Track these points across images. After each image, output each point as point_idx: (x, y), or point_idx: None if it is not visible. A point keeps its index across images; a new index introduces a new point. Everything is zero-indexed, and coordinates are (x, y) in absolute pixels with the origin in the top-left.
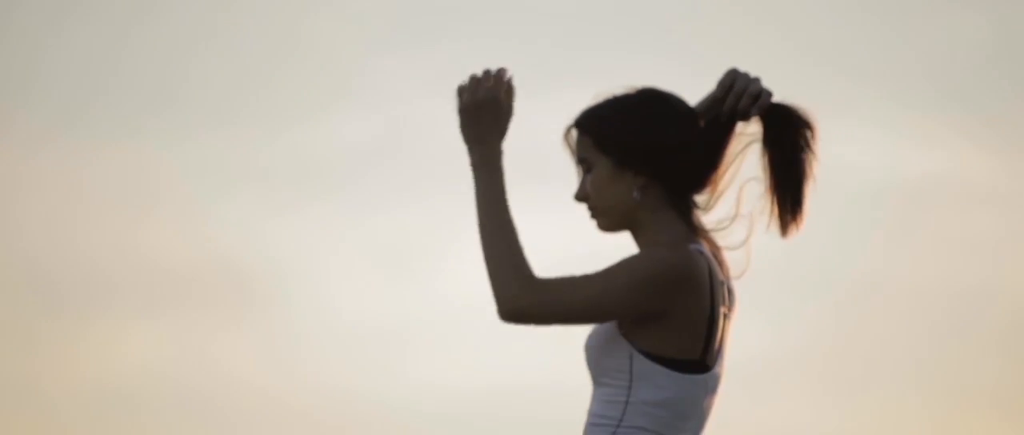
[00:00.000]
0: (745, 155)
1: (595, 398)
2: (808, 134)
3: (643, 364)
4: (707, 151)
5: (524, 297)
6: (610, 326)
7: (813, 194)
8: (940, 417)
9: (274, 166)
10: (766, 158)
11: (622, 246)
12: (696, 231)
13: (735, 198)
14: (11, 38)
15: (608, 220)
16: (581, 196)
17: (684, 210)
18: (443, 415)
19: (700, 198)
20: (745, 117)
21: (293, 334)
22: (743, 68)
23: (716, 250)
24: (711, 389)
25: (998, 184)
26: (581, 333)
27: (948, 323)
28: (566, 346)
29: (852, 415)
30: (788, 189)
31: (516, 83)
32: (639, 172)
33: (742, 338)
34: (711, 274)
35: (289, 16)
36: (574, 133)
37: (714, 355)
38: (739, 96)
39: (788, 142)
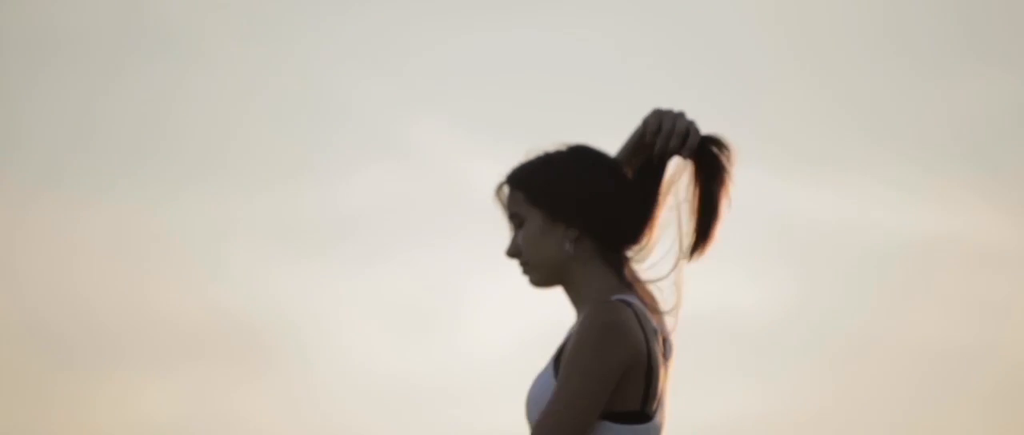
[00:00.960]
0: (676, 196)
1: None
2: (731, 166)
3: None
4: (639, 204)
5: None
6: (549, 381)
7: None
8: None
9: (291, 220)
10: (697, 191)
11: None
12: (627, 283)
13: (668, 239)
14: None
15: (540, 274)
16: (513, 252)
17: (615, 262)
18: None
19: (633, 250)
20: (675, 155)
21: (310, 388)
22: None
23: (650, 300)
24: (660, 431)
25: (1010, 245)
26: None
27: (946, 382)
28: None
29: None
30: (710, 219)
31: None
32: (571, 224)
33: (743, 394)
34: (642, 324)
35: (309, 72)
36: (505, 189)
37: (654, 404)
38: (669, 137)
39: (718, 175)
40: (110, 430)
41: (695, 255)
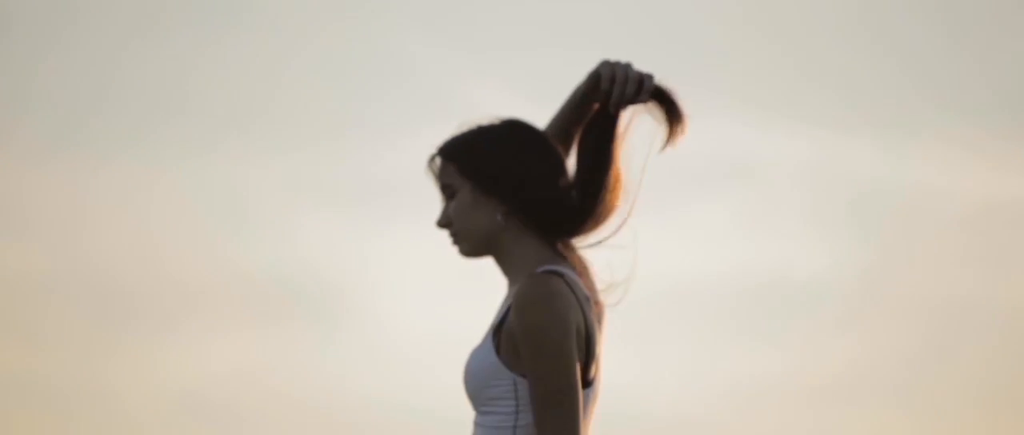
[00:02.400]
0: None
1: (480, 425)
2: (684, 112)
3: (528, 389)
4: (574, 193)
5: None
6: (489, 355)
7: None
8: None
9: (350, 180)
10: (667, 133)
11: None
12: (560, 252)
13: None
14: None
15: (470, 245)
16: (443, 222)
17: (549, 233)
18: None
19: (579, 239)
20: (633, 103)
21: (364, 347)
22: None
23: (582, 267)
24: (592, 402)
25: None
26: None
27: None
28: (652, 357)
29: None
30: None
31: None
32: (501, 200)
33: (830, 354)
34: (574, 292)
35: (384, 35)
36: (437, 161)
37: (593, 370)
38: (625, 83)
39: (678, 118)
40: (174, 383)
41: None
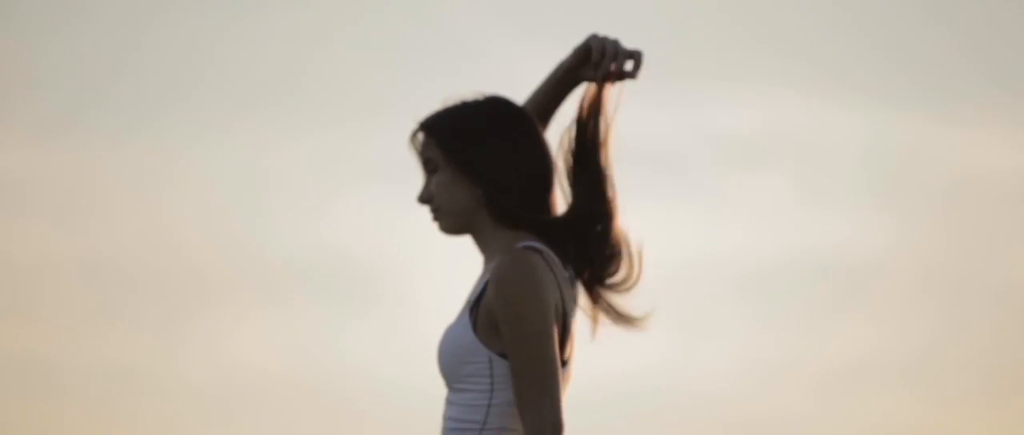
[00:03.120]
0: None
1: (453, 402)
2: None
3: (503, 367)
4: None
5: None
6: (465, 332)
7: None
8: None
9: (403, 161)
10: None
11: None
12: (544, 224)
13: None
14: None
15: (450, 222)
16: (424, 198)
17: (540, 201)
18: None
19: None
20: (623, 79)
21: (418, 330)
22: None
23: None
24: (565, 382)
25: None
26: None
27: None
28: (704, 338)
29: (989, 418)
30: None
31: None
32: (475, 183)
33: (889, 334)
34: (553, 271)
35: (430, 7)
36: (420, 136)
37: (568, 350)
38: (616, 57)
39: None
40: (213, 365)
41: None
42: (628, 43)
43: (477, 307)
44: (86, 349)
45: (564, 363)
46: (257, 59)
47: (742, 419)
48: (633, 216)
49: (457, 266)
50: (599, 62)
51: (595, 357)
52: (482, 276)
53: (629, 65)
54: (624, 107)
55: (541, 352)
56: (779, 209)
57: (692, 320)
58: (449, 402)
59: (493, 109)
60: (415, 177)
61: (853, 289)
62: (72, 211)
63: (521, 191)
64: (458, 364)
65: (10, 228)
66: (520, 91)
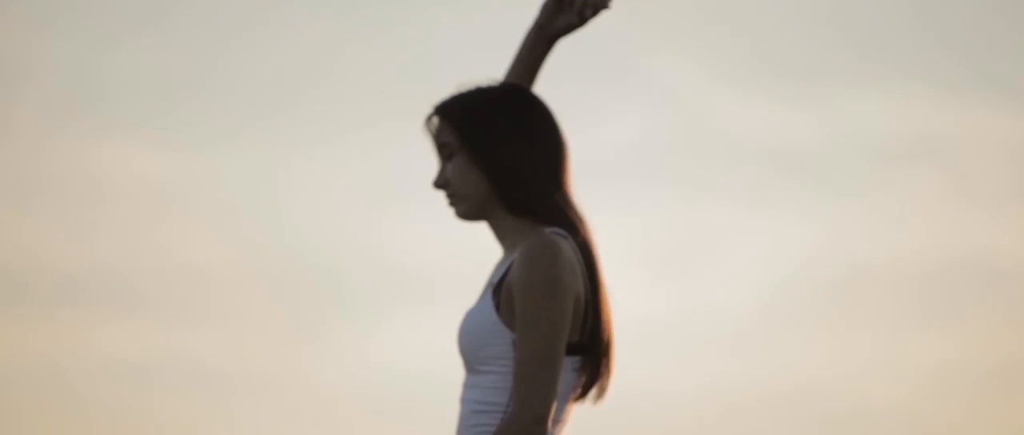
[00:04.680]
0: None
1: (475, 385)
2: None
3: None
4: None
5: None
6: (488, 314)
7: None
8: None
9: None
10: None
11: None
12: (560, 213)
13: None
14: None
15: (467, 207)
16: (440, 183)
17: (557, 190)
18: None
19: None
20: (600, 9)
21: None
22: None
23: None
24: (580, 372)
25: None
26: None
27: None
28: (845, 343)
29: None
30: None
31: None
32: (486, 173)
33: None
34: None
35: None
36: (435, 120)
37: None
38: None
39: None
40: (351, 370)
41: None
42: (774, 49)
43: (499, 289)
44: (233, 352)
45: (583, 347)
46: (381, 63)
47: (896, 422)
48: (783, 222)
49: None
50: (570, 5)
51: (749, 362)
52: (503, 259)
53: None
54: (768, 110)
55: (549, 342)
56: (929, 210)
57: (845, 324)
58: (469, 385)
59: (508, 96)
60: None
61: (1009, 290)
62: (215, 215)
63: (533, 180)
64: (480, 346)
65: (158, 232)
66: (672, 102)
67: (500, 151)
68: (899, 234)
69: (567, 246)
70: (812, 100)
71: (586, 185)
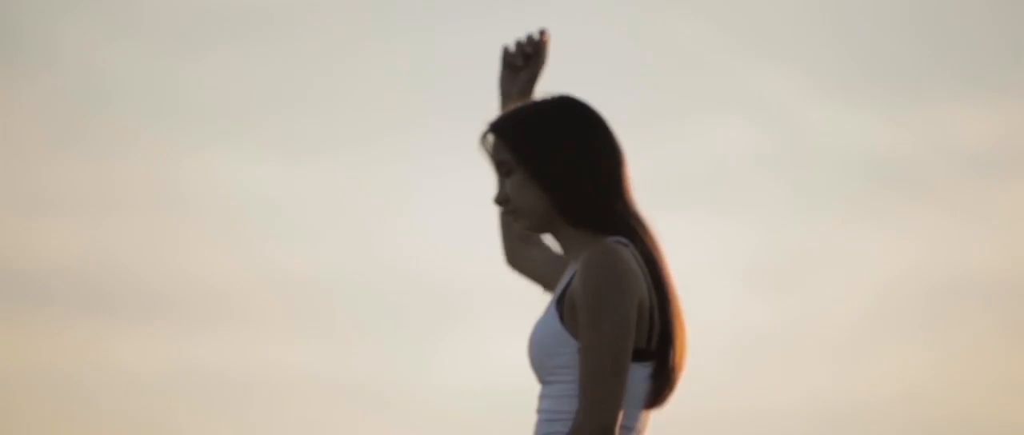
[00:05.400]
0: None
1: (546, 396)
2: None
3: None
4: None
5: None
6: (554, 325)
7: None
8: None
9: (645, 174)
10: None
11: None
12: (622, 222)
13: None
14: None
15: (529, 222)
16: (500, 199)
17: (616, 199)
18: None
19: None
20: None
21: None
22: None
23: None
24: (646, 381)
25: None
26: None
27: None
28: (957, 353)
29: None
30: None
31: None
32: (544, 189)
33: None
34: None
35: (664, 20)
36: (490, 138)
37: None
38: (527, 42)
39: None
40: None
41: None
42: (876, 59)
43: (563, 299)
44: (340, 363)
45: (651, 354)
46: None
47: (999, 433)
48: (885, 234)
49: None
50: (523, 52)
51: (852, 374)
52: (568, 270)
53: (536, 34)
54: (870, 121)
55: (611, 350)
56: None
57: (947, 335)
58: (542, 396)
59: (561, 108)
60: (670, 190)
61: None
62: (321, 228)
63: (591, 191)
64: (548, 356)
65: (260, 246)
66: (777, 113)
67: (556, 165)
68: (1001, 245)
69: (628, 253)
70: (913, 111)
71: (687, 197)
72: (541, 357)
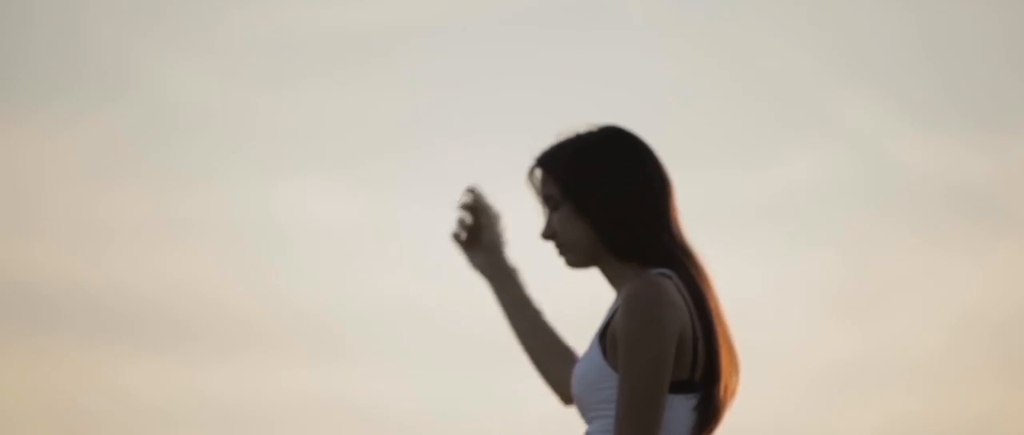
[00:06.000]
0: None
1: (592, 432)
2: None
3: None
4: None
5: None
6: (596, 360)
7: None
8: None
9: (730, 201)
10: None
11: None
12: (668, 254)
13: None
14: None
15: (575, 256)
16: (548, 234)
17: (662, 231)
18: None
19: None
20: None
21: (744, 371)
22: None
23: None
24: (693, 411)
25: None
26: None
27: None
28: (1013, 385)
29: None
30: None
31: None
32: (591, 224)
33: None
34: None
35: (751, 48)
36: (538, 172)
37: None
38: (461, 226)
39: None
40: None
41: None
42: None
43: (606, 333)
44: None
45: (695, 385)
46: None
47: None
48: (964, 262)
49: (775, 307)
50: (466, 226)
51: (930, 403)
52: (613, 304)
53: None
54: (949, 149)
55: (645, 384)
56: None
57: None
58: (587, 431)
59: (607, 141)
60: (729, 218)
61: None
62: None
63: (637, 224)
64: (591, 391)
65: (338, 274)
66: (852, 140)
67: (602, 199)
68: None
69: (670, 285)
70: (1000, 140)
71: (771, 224)
72: (585, 392)
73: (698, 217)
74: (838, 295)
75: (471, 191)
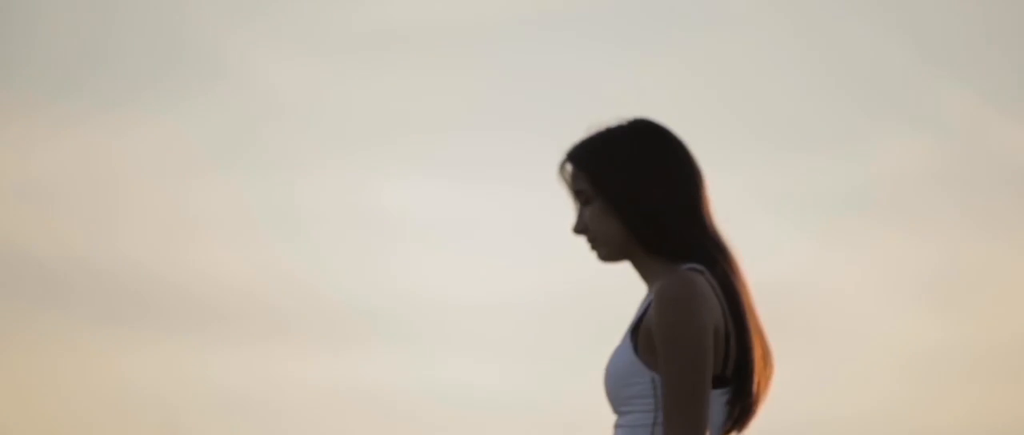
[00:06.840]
0: None
1: (620, 426)
2: None
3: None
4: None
5: None
6: (628, 355)
7: None
8: None
9: (826, 189)
10: None
11: None
12: (700, 248)
13: None
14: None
15: (607, 250)
16: (580, 228)
17: (693, 225)
18: None
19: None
20: None
21: (829, 362)
22: None
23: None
24: (727, 405)
25: None
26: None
27: None
28: None
29: None
30: None
31: None
32: (622, 219)
33: None
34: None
35: (848, 38)
36: (569, 167)
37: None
38: None
39: None
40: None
41: None
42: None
43: (638, 329)
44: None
45: (727, 380)
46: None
47: None
48: None
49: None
50: None
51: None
52: (645, 299)
53: None
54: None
55: (691, 377)
56: None
57: None
58: (617, 426)
59: (637, 135)
60: (830, 206)
61: None
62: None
63: (668, 219)
64: (622, 386)
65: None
66: (951, 128)
67: (633, 194)
68: None
69: (702, 280)
70: None
71: (866, 212)
72: (615, 387)
73: (797, 205)
74: (932, 283)
75: None
